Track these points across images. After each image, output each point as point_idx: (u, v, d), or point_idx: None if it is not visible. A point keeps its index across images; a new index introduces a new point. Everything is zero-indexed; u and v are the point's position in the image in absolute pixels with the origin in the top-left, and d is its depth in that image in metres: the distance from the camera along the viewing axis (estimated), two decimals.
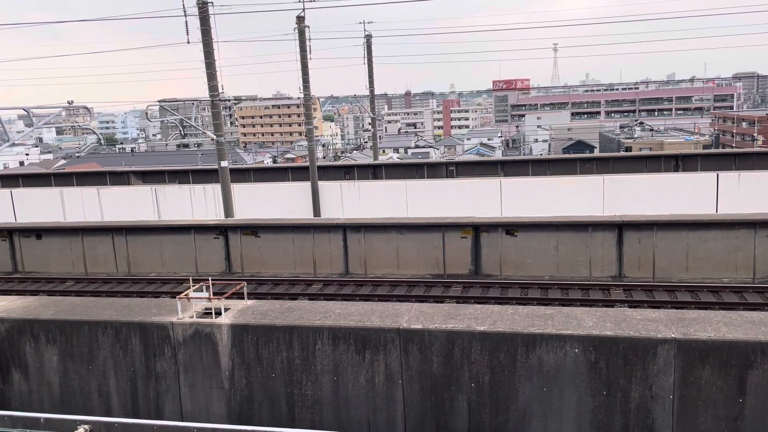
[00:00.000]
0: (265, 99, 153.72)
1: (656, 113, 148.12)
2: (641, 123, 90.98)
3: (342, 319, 12.62)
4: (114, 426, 12.01)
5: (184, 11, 22.49)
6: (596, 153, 79.65)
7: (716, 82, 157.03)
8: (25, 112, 25.08)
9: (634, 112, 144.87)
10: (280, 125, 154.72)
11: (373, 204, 30.38)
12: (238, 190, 30.48)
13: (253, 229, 22.08)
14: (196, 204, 32.56)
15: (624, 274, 19.41)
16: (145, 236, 22.94)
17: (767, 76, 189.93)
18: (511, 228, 20.10)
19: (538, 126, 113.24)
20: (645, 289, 17.75)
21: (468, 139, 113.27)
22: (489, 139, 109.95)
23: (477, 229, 20.34)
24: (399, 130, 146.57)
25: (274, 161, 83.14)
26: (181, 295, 13.45)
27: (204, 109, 70.57)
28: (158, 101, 36.03)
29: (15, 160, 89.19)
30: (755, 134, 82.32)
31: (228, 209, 27.63)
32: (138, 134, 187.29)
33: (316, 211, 31.00)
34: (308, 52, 30.37)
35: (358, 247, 21.31)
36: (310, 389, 12.59)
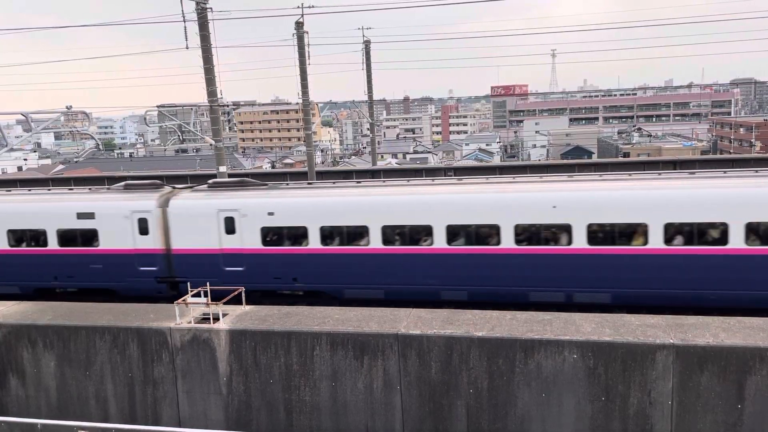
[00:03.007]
0: (263, 104, 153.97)
1: (654, 119, 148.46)
2: (639, 128, 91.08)
3: (340, 324, 12.60)
4: None
5: (183, 17, 22.51)
6: (594, 158, 79.71)
7: (714, 88, 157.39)
8: (24, 117, 25.08)
9: (632, 117, 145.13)
10: (279, 130, 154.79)
11: None
12: None
13: None
14: None
15: None
16: None
17: (765, 82, 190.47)
18: None
19: (536, 131, 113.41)
20: None
21: (466, 144, 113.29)
22: (487, 145, 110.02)
23: None
24: (397, 135, 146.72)
25: (273, 166, 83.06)
26: (179, 300, 13.43)
27: (203, 114, 70.60)
28: (157, 106, 36.05)
29: (13, 165, 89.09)
30: (753, 140, 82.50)
31: None
32: (136, 139, 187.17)
33: None
34: (307, 57, 30.41)
35: None
36: (308, 395, 12.56)
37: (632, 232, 16.05)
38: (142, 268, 18.95)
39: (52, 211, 19.57)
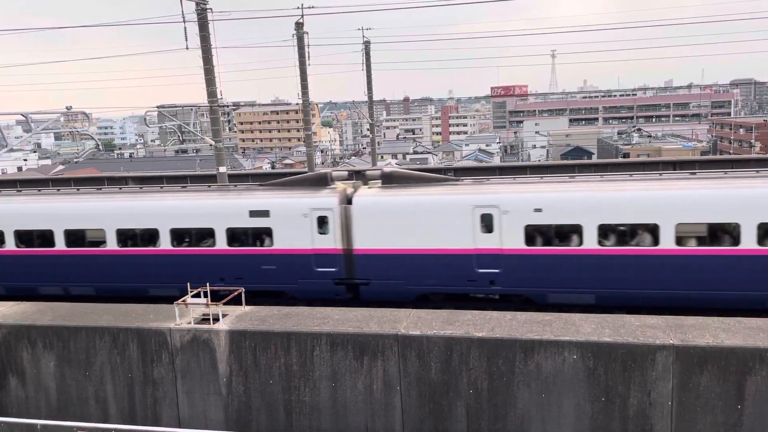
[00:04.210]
0: (263, 104, 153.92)
1: (654, 119, 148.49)
2: (639, 129, 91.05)
3: (340, 324, 12.60)
4: None
5: (183, 17, 22.49)
6: (594, 159, 79.67)
7: (714, 89, 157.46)
8: (24, 118, 25.11)
9: (632, 118, 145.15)
10: (279, 131, 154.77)
11: None
12: None
13: None
14: None
15: None
16: None
17: (764, 82, 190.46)
18: None
19: (536, 132, 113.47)
20: None
21: (466, 145, 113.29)
22: (487, 145, 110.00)
23: None
24: (397, 136, 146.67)
25: (273, 167, 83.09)
26: (179, 301, 13.43)
27: (203, 114, 70.58)
28: (157, 107, 36.06)
29: (13, 165, 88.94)
30: (753, 140, 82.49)
31: None
32: (136, 140, 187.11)
33: None
34: (307, 58, 30.42)
35: None
36: (308, 395, 12.56)
37: None
38: None
39: None
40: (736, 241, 15.41)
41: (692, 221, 15.58)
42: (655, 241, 15.76)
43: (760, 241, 15.26)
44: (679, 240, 15.65)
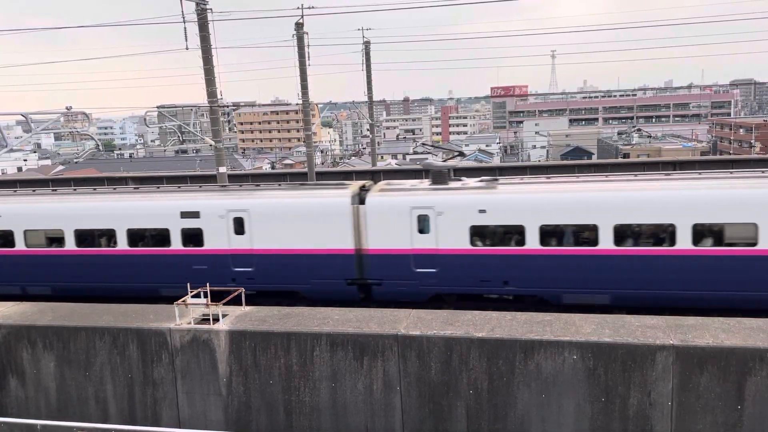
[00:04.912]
0: (263, 105, 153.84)
1: (654, 120, 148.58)
2: (639, 129, 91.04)
3: (340, 325, 12.60)
4: None
5: (183, 18, 22.48)
6: (594, 159, 79.67)
7: (714, 89, 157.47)
8: (24, 118, 25.11)
9: (631, 118, 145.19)
10: (279, 131, 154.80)
11: None
12: None
13: None
14: None
15: None
16: None
17: (764, 82, 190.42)
18: None
19: (536, 132, 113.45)
20: None
21: (466, 145, 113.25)
22: (487, 146, 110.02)
23: None
24: (397, 136, 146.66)
25: (273, 167, 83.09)
26: (179, 301, 13.43)
27: (203, 114, 70.53)
28: (157, 107, 36.06)
29: (13, 165, 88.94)
30: (753, 141, 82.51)
31: None
32: (136, 140, 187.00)
33: None
34: (307, 58, 30.42)
35: None
36: (308, 396, 12.56)
37: None
38: None
39: None
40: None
41: (88, 227, 19.21)
42: (64, 244, 19.39)
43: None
44: (80, 242, 19.29)
